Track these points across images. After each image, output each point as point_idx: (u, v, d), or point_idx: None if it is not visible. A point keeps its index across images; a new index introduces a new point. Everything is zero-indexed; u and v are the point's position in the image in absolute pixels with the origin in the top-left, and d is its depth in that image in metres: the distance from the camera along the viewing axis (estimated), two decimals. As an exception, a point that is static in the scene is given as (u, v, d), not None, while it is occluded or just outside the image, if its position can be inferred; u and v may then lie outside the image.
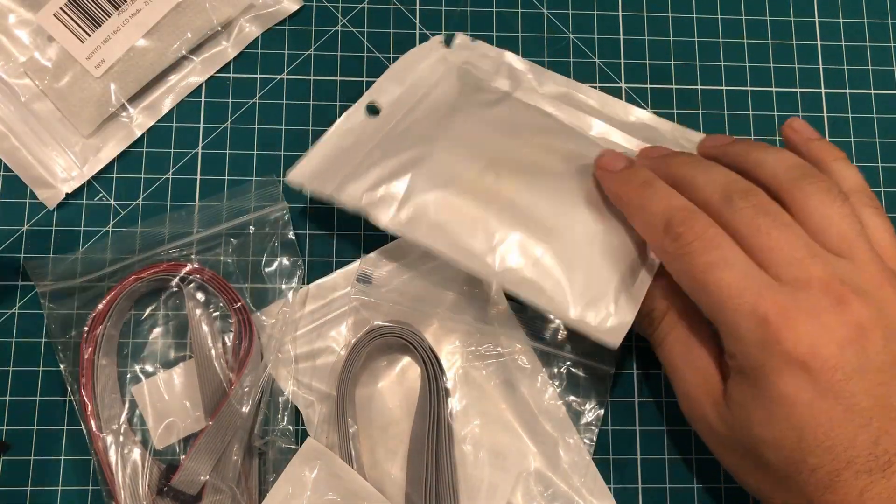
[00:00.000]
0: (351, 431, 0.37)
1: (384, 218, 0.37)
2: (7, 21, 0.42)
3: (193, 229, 0.40)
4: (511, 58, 0.43)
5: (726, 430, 0.32)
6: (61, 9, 0.41)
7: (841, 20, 0.45)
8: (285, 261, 0.40)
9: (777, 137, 0.43)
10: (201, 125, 0.42)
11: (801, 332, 0.29)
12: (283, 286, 0.40)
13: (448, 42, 0.43)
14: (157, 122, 0.42)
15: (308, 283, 0.40)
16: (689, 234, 0.31)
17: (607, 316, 0.35)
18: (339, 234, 0.41)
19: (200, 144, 0.42)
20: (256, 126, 0.42)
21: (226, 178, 0.41)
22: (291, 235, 0.40)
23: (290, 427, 0.38)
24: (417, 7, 0.44)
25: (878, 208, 0.34)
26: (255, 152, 0.42)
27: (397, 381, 0.39)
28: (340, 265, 0.41)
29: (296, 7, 0.44)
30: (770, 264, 0.31)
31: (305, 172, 0.39)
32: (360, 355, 0.38)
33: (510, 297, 0.39)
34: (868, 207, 0.33)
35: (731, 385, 0.32)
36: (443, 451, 0.37)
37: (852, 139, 0.44)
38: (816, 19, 0.45)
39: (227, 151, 0.42)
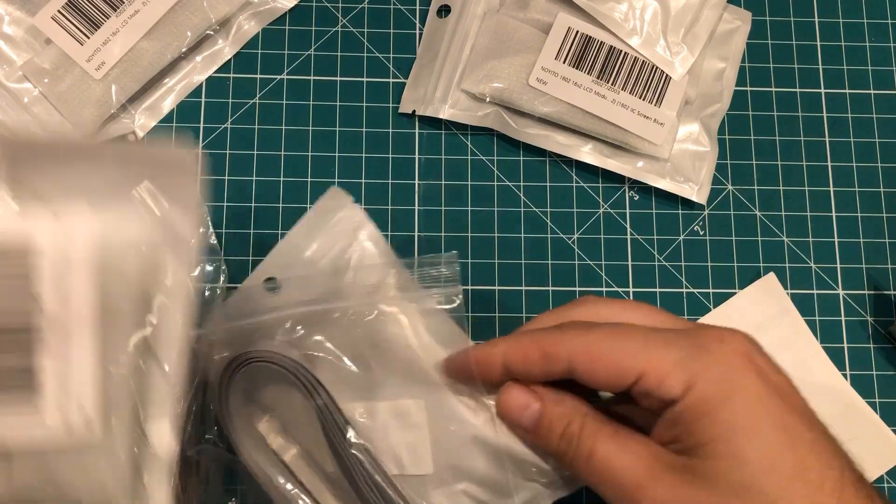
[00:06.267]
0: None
1: None
2: (3, 24, 0.42)
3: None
4: None
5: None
6: (59, 11, 0.40)
7: (841, 20, 0.45)
8: None
9: (776, 137, 0.43)
10: (201, 125, 0.42)
11: None
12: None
13: None
14: (157, 122, 0.42)
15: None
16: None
17: None
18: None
19: (200, 144, 0.42)
20: (256, 126, 0.42)
21: (226, 178, 0.42)
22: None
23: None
24: (417, 7, 0.44)
25: None
26: (255, 152, 0.42)
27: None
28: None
29: (293, 3, 0.43)
30: None
31: None
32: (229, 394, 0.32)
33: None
34: None
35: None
36: (360, 483, 0.32)
37: (852, 139, 0.44)
38: (816, 19, 0.45)
39: (228, 151, 0.42)
